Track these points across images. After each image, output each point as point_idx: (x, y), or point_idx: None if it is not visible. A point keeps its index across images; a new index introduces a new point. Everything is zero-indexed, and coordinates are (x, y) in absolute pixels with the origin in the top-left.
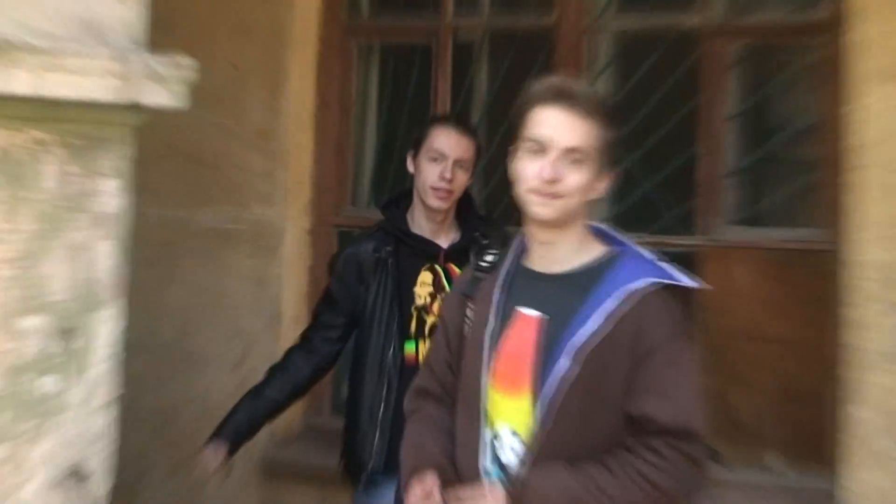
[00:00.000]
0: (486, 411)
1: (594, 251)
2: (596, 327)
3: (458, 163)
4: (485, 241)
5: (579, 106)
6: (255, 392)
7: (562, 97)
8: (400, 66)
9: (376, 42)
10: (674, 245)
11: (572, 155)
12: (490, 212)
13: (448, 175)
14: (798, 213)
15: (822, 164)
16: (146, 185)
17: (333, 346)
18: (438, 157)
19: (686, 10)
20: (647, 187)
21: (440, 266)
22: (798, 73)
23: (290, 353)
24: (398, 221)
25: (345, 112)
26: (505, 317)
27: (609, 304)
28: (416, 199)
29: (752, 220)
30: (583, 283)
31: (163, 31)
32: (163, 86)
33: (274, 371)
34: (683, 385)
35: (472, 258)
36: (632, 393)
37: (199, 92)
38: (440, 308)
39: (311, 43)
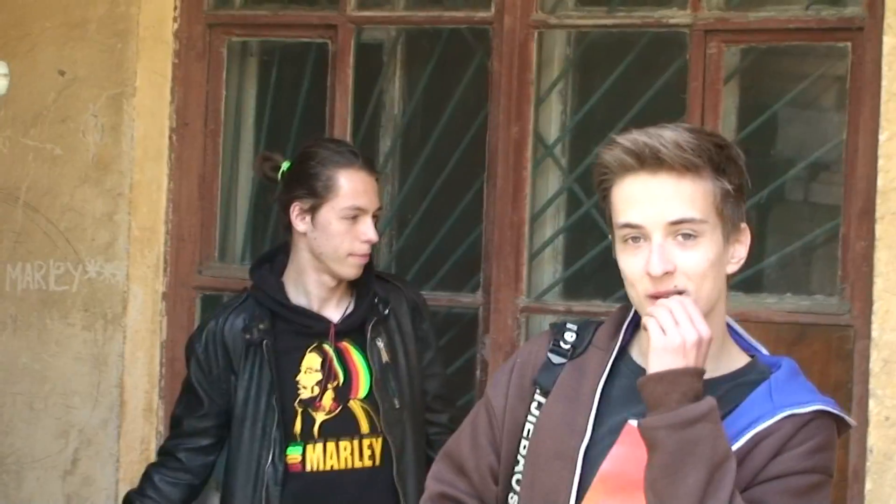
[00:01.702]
0: None
1: (735, 357)
2: (736, 449)
3: (375, 215)
4: (385, 312)
5: (670, 162)
6: None
7: (643, 159)
8: (286, 73)
9: (254, 41)
10: None
11: (680, 229)
12: (402, 272)
13: (373, 235)
14: (813, 275)
15: (845, 210)
16: None
17: (206, 457)
18: (357, 214)
19: (668, 1)
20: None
21: (330, 345)
22: (816, 88)
23: (150, 475)
24: (272, 289)
25: (211, 135)
26: (611, 429)
27: (763, 427)
28: (303, 263)
29: (751, 285)
30: (726, 398)
31: None
32: None
33: (132, 501)
34: None
35: (369, 334)
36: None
37: (12, 107)
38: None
39: (165, 41)
